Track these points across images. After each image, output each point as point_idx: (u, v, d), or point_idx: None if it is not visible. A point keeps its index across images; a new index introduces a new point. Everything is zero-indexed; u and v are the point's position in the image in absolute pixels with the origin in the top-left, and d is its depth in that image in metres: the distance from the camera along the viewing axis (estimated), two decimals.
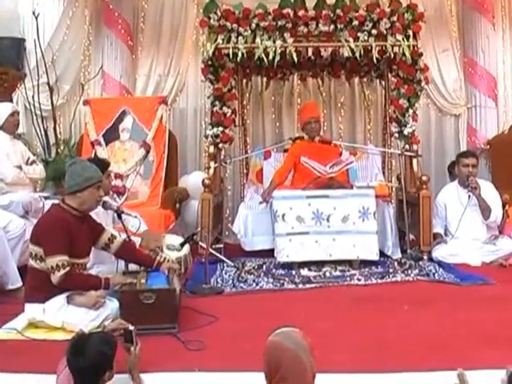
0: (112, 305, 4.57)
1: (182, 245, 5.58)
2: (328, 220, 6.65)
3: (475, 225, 7.00)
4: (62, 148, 8.59)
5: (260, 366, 2.88)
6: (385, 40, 7.04)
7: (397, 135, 7.42)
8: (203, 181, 7.12)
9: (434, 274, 6.31)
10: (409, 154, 7.35)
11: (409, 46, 7.00)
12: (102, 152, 7.81)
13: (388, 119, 7.84)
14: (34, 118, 8.53)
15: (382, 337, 4.26)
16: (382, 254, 6.88)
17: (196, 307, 4.95)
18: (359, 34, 7.01)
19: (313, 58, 8.07)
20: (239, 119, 8.30)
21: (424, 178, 7.00)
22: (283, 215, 6.65)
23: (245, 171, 8.61)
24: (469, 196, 6.97)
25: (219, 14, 7.11)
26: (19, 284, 5.50)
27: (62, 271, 4.44)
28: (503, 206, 7.20)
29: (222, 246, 7.29)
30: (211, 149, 7.54)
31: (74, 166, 4.73)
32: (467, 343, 4.05)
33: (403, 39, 6.99)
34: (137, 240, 5.46)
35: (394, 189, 8.00)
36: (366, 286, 5.92)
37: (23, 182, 6.39)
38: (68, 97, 9.03)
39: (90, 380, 3.19)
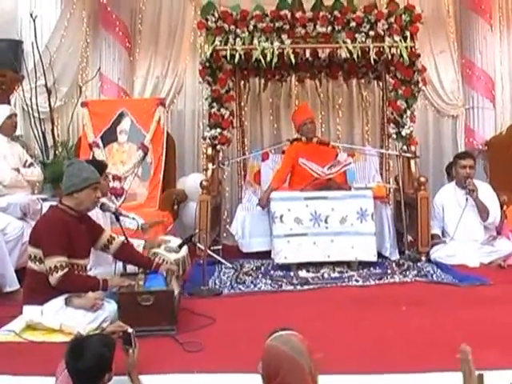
0: (110, 307, 4.57)
1: (180, 246, 5.57)
2: (326, 221, 6.65)
3: (473, 226, 7.00)
4: (59, 150, 8.57)
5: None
6: (382, 41, 7.04)
7: (395, 136, 7.43)
8: (201, 182, 7.12)
9: (432, 275, 6.32)
10: (407, 155, 7.37)
11: (406, 48, 7.01)
12: (100, 154, 7.81)
13: (386, 120, 7.85)
14: (32, 120, 8.53)
15: (381, 338, 4.25)
16: (380, 255, 6.89)
17: (194, 309, 4.96)
18: (357, 36, 7.02)
19: (310, 59, 8.08)
20: (237, 121, 8.30)
21: (422, 179, 7.01)
22: (281, 216, 6.65)
23: (243, 173, 8.61)
24: (466, 198, 6.97)
25: (217, 15, 7.12)
26: (17, 286, 5.49)
27: (61, 272, 4.44)
28: (501, 207, 7.20)
29: (220, 247, 7.29)
30: (209, 150, 7.53)
31: (71, 167, 4.73)
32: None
33: (401, 40, 7.00)
34: (138, 243, 5.47)
35: (391, 190, 8.01)
36: (364, 287, 5.92)
37: (21, 185, 6.39)
38: (66, 99, 9.02)
39: (88, 382, 3.19)
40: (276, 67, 7.56)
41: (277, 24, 7.03)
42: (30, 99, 8.45)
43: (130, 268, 5.15)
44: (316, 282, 6.14)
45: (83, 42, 9.17)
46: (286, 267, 6.60)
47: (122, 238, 5.10)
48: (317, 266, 6.57)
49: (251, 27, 7.05)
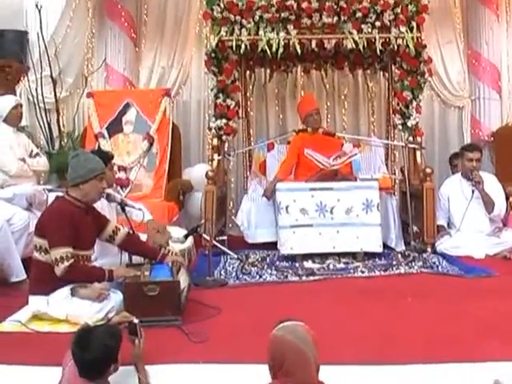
0: (116, 297, 4.58)
1: (186, 237, 5.59)
2: (331, 212, 6.65)
3: (479, 217, 6.99)
4: (65, 140, 8.58)
5: (264, 358, 2.89)
6: (388, 32, 7.01)
7: (400, 127, 7.41)
8: (207, 173, 7.11)
9: (437, 267, 6.31)
10: (412, 146, 7.35)
11: (412, 38, 6.97)
12: (106, 144, 7.81)
13: (391, 111, 7.83)
14: (38, 110, 8.53)
15: (386, 329, 4.26)
16: (385, 246, 6.89)
17: (200, 299, 4.96)
18: (363, 26, 6.99)
19: (316, 50, 8.01)
20: (242, 111, 8.28)
21: (428, 170, 7.00)
22: (287, 207, 6.65)
23: (248, 163, 8.61)
24: (472, 190, 6.95)
25: (222, 5, 7.08)
26: (23, 276, 5.52)
27: (66, 263, 4.44)
28: (507, 199, 7.19)
29: (225, 238, 7.28)
30: (215, 141, 7.52)
31: (76, 158, 4.72)
32: (471, 335, 4.05)
33: (407, 31, 6.97)
34: (142, 236, 5.47)
35: (397, 181, 8.01)
36: (370, 279, 5.93)
37: (27, 175, 6.39)
38: (71, 89, 9.03)
39: (95, 372, 3.20)
40: (282, 58, 7.56)
41: (282, 14, 7.00)
42: (36, 90, 8.46)
43: (136, 258, 5.15)
44: (321, 272, 6.14)
45: (89, 33, 9.17)
46: (292, 258, 6.60)
47: (128, 229, 5.10)
48: (322, 256, 6.57)
49: (257, 17, 7.02)
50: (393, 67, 7.72)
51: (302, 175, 7.17)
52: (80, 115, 9.04)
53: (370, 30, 6.99)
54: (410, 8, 6.98)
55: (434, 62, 8.01)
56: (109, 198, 5.32)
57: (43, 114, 8.57)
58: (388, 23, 6.99)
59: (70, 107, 9.10)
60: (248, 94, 8.87)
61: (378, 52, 7.10)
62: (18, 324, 4.48)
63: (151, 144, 7.91)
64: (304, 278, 5.97)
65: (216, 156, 7.49)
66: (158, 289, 4.37)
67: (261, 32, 7.02)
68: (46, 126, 8.57)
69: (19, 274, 5.55)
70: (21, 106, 6.71)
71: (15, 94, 7.90)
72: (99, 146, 7.71)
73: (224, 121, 7.39)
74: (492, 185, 7.09)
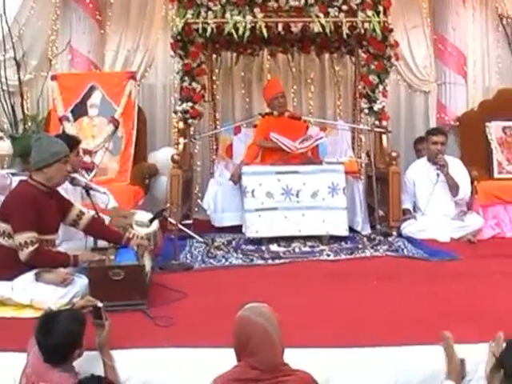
0: (81, 282, 4.54)
1: (151, 221, 5.56)
2: (297, 196, 6.66)
3: (444, 201, 7.05)
4: (29, 124, 8.46)
5: (229, 341, 2.89)
6: (355, 16, 7.02)
7: (367, 111, 7.44)
8: (172, 156, 7.09)
9: (402, 250, 6.37)
10: (378, 130, 7.38)
11: (379, 22, 6.99)
12: (70, 128, 7.72)
13: (358, 95, 7.85)
14: (1, 93, 8.38)
15: (352, 312, 4.28)
16: (351, 229, 6.92)
17: (165, 283, 4.94)
18: (329, 10, 6.99)
19: (283, 33, 8.01)
20: (209, 95, 8.26)
21: (393, 154, 7.04)
22: (252, 191, 6.65)
23: (214, 147, 8.59)
24: (437, 173, 7.01)
25: None
26: None
27: (31, 248, 4.40)
28: (472, 183, 7.25)
29: (191, 221, 7.27)
30: (180, 124, 7.50)
31: (39, 142, 4.67)
32: (436, 318, 4.07)
33: (373, 15, 6.98)
34: (106, 218, 5.43)
35: (363, 165, 8.04)
36: (336, 262, 5.95)
37: None
38: (35, 72, 8.87)
39: (59, 358, 3.18)
40: (248, 41, 7.51)
41: None
42: None
43: (101, 243, 5.12)
44: (287, 256, 6.16)
45: (53, 15, 9.00)
46: (258, 241, 6.61)
47: (92, 213, 5.06)
48: (288, 240, 6.58)
49: (223, 0, 6.99)
50: (359, 51, 7.75)
51: (269, 159, 7.17)
52: (44, 98, 8.89)
53: (336, 13, 7.00)
54: None
55: (400, 47, 8.03)
56: (73, 182, 5.29)
57: (7, 97, 8.42)
58: (355, 7, 7.00)
59: (34, 90, 8.94)
60: (214, 78, 8.84)
61: (345, 36, 7.11)
62: None
63: (116, 127, 7.82)
64: (270, 261, 5.99)
65: (182, 139, 7.46)
66: (123, 273, 4.35)
67: (227, 15, 6.99)
68: (10, 109, 8.44)
69: None
70: None
71: None
72: (64, 130, 7.62)
73: (190, 104, 7.36)
74: (457, 169, 7.15)
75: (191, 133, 7.61)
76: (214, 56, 8.75)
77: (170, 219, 6.34)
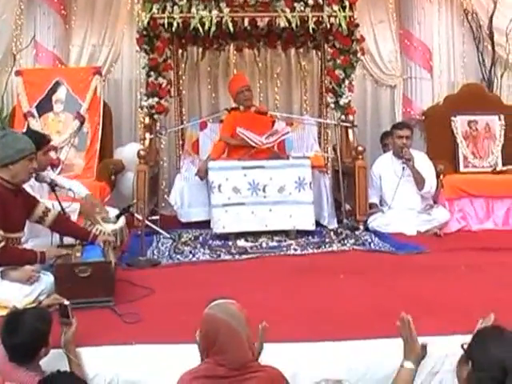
0: (47, 279, 4.50)
1: (118, 217, 5.54)
2: (264, 190, 6.66)
3: (410, 195, 7.10)
4: None
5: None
6: (321, 10, 7.03)
7: (333, 106, 7.47)
8: (138, 152, 7.05)
9: (369, 244, 6.40)
10: (345, 124, 7.41)
11: (345, 17, 7.00)
12: (35, 124, 7.65)
13: (324, 90, 7.87)
14: None
15: (319, 306, 4.29)
16: (318, 224, 6.94)
17: (132, 280, 4.92)
18: (296, 5, 6.99)
19: (249, 28, 8.01)
20: (175, 90, 8.22)
21: (360, 149, 7.06)
22: (219, 186, 6.64)
23: (181, 142, 8.55)
24: (403, 167, 7.06)
25: None
26: None
27: None
28: (437, 177, 7.31)
29: (158, 217, 7.22)
30: (146, 120, 7.48)
31: (5, 138, 4.61)
32: (404, 311, 4.08)
33: (339, 10, 6.99)
34: (75, 207, 5.38)
35: (329, 159, 8.08)
36: (303, 256, 5.97)
37: None
38: None
39: (25, 357, 3.16)
40: (214, 36, 7.52)
41: None
42: None
43: (67, 239, 5.08)
44: (254, 251, 6.17)
45: (17, 9, 8.90)
46: (225, 237, 6.60)
47: (58, 210, 5.02)
48: (255, 235, 6.59)
49: None
50: (325, 46, 7.78)
51: (235, 154, 7.16)
52: (9, 94, 8.80)
53: (302, 8, 7.00)
54: None
55: (366, 41, 8.06)
56: (38, 178, 5.23)
57: None
58: (321, 2, 7.02)
59: None
60: (180, 73, 8.80)
61: (311, 31, 7.13)
62: None
63: (82, 123, 7.76)
64: (237, 256, 5.99)
65: (148, 135, 7.43)
66: (89, 270, 4.31)
67: (193, 9, 6.96)
68: None
69: None
70: None
71: None
72: (28, 126, 7.55)
73: (156, 99, 7.35)
74: (423, 162, 7.21)
75: (157, 128, 7.58)
76: (180, 51, 8.73)
77: (136, 215, 6.31)
